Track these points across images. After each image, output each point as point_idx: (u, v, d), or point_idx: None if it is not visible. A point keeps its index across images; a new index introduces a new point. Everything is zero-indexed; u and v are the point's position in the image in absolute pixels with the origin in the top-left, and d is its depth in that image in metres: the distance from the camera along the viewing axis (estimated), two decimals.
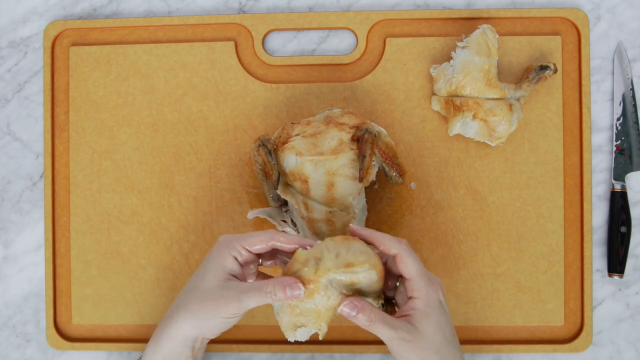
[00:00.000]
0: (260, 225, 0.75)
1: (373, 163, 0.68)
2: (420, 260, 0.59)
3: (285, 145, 0.67)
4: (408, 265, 0.58)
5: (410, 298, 0.59)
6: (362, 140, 0.66)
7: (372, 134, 0.66)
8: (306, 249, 0.59)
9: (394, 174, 0.68)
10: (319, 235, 0.67)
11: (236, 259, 0.60)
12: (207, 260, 0.61)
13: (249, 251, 0.60)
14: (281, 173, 0.68)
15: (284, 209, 0.71)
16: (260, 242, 0.60)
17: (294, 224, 0.70)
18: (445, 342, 0.58)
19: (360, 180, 0.66)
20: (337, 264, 0.56)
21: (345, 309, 0.56)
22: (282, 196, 0.68)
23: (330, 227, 0.67)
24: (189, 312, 0.60)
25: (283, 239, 0.60)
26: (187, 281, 0.64)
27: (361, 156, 0.66)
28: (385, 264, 0.60)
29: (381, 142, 0.67)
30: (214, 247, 0.62)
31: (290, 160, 0.67)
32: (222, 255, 0.60)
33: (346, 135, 0.67)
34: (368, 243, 0.59)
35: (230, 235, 0.62)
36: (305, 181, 0.66)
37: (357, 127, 0.67)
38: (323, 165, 0.66)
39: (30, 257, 0.78)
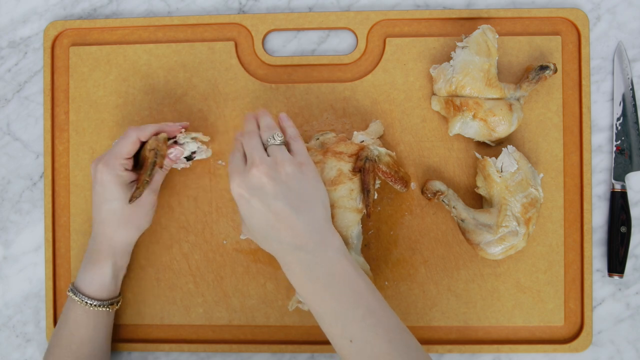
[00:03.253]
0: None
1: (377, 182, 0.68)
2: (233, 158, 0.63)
3: None
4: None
5: None
6: (363, 171, 0.65)
7: (371, 160, 0.65)
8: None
9: (399, 186, 0.68)
10: None
11: (125, 169, 0.67)
12: (103, 189, 0.66)
13: (128, 158, 0.67)
14: None
15: None
16: (131, 145, 0.66)
17: None
18: (253, 229, 0.61)
19: (369, 215, 0.65)
20: None
21: None
22: None
23: None
24: (125, 224, 0.67)
25: (144, 132, 0.67)
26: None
27: (365, 191, 0.64)
28: None
29: (382, 165, 0.66)
30: (97, 175, 0.66)
31: None
32: (112, 181, 0.66)
33: (345, 165, 0.66)
34: None
35: (102, 157, 0.67)
36: None
37: (357, 156, 0.66)
38: None
39: (30, 257, 0.78)
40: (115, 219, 0.67)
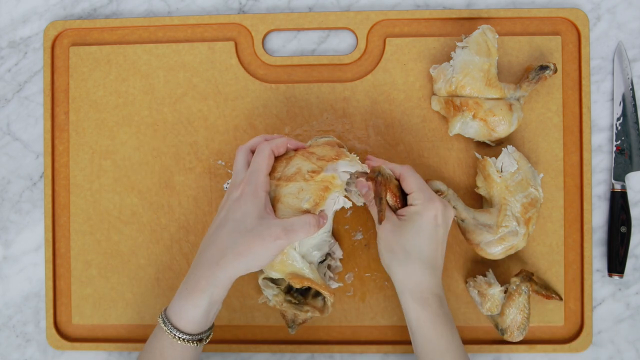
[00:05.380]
0: None
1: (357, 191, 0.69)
2: (424, 182, 0.66)
3: None
4: (409, 182, 0.65)
5: (409, 205, 0.66)
6: (376, 182, 0.65)
7: (384, 177, 0.65)
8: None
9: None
10: None
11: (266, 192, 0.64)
12: (239, 200, 0.63)
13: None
14: None
15: None
16: (269, 159, 0.65)
17: None
18: (416, 249, 0.63)
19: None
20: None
21: (359, 185, 0.67)
22: None
23: None
24: (238, 255, 0.61)
25: (279, 143, 0.66)
26: (211, 227, 0.64)
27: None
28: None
29: (392, 185, 0.66)
30: (238, 204, 0.62)
31: None
32: (258, 195, 0.62)
33: (307, 166, 0.65)
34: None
35: (248, 180, 0.63)
36: None
37: (371, 172, 0.67)
38: (274, 190, 0.65)
39: (30, 257, 0.78)
40: (233, 242, 0.61)
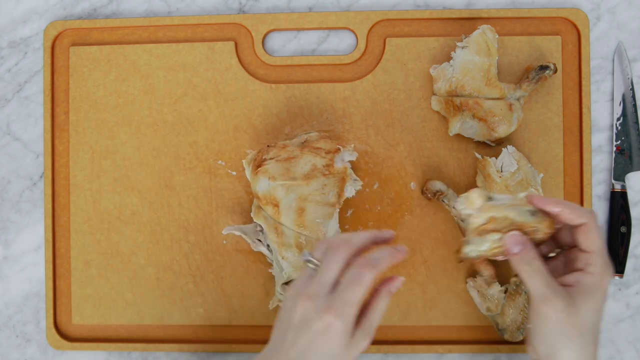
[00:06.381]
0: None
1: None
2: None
3: (259, 168, 0.67)
4: (592, 238, 0.54)
5: (578, 270, 0.55)
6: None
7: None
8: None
9: None
10: (288, 260, 0.67)
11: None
12: (325, 336, 0.52)
13: None
14: (254, 196, 0.69)
15: (258, 228, 0.71)
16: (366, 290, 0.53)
17: (268, 246, 0.71)
18: (591, 330, 0.54)
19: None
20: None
21: (510, 240, 0.54)
22: (255, 220, 0.69)
23: (300, 252, 0.66)
24: None
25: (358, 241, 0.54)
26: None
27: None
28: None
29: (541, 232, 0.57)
30: (325, 319, 0.52)
31: (262, 183, 0.67)
32: (348, 333, 0.53)
33: (320, 161, 0.67)
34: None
35: (329, 303, 0.52)
36: (277, 205, 0.66)
37: (334, 153, 0.67)
38: (294, 190, 0.66)
39: (30, 257, 0.78)
40: None
